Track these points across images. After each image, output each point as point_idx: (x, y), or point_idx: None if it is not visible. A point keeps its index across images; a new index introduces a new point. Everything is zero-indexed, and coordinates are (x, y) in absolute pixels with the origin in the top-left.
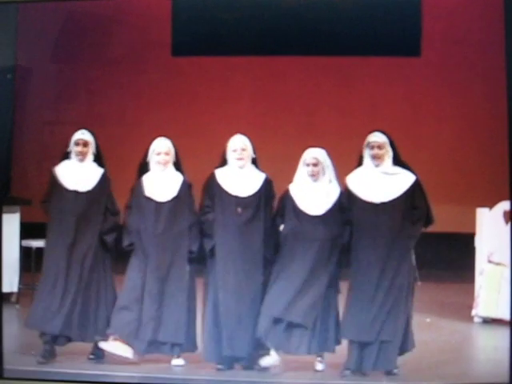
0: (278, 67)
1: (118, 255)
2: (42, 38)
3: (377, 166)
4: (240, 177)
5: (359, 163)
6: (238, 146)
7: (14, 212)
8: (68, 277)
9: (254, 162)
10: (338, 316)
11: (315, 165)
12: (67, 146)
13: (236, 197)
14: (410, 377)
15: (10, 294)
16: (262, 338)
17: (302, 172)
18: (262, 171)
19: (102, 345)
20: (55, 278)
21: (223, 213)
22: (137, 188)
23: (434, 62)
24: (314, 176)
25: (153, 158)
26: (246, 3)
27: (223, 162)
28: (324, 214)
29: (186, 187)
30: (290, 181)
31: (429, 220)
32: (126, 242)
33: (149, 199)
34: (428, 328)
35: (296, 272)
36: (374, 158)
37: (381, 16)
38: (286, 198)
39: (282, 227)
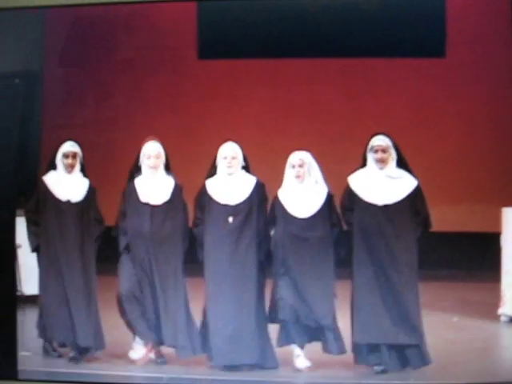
0: (300, 69)
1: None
2: (68, 43)
3: (381, 168)
4: (230, 185)
5: (362, 165)
6: (229, 153)
7: None
8: (71, 287)
9: (246, 168)
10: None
11: (301, 166)
12: (54, 155)
13: (226, 205)
14: (436, 375)
15: (34, 297)
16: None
17: (288, 175)
18: (254, 175)
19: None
20: (61, 289)
21: (214, 223)
22: (130, 192)
23: (459, 63)
24: (300, 177)
25: (144, 162)
26: (271, 6)
27: (213, 170)
28: (313, 216)
29: (177, 190)
30: None
31: (428, 225)
32: (123, 245)
33: (145, 204)
34: (455, 327)
35: (299, 276)
36: (378, 161)
37: (404, 17)
38: (276, 203)
39: (272, 232)
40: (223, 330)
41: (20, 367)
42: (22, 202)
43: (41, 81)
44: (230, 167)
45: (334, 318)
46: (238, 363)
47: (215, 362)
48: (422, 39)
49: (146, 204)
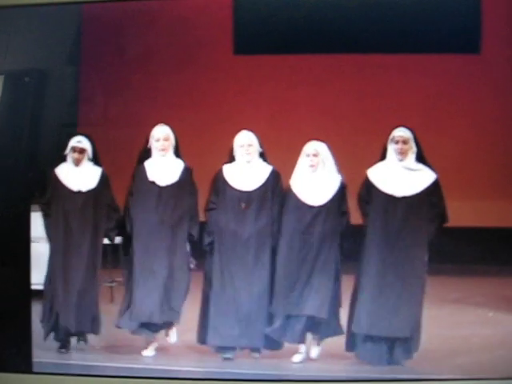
0: (333, 65)
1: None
2: (105, 38)
3: (400, 160)
4: (247, 171)
5: (382, 157)
6: (245, 141)
7: None
8: (85, 276)
9: (263, 156)
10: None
11: (315, 155)
12: (64, 148)
13: (241, 191)
14: (472, 370)
15: None
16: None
17: (302, 163)
18: (270, 164)
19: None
20: (69, 279)
21: (228, 208)
22: (139, 173)
23: (495, 59)
24: (314, 166)
25: (153, 145)
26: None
27: (231, 159)
28: (324, 205)
29: (186, 172)
30: None
31: (444, 219)
32: (129, 228)
33: (152, 183)
34: (490, 322)
35: (301, 265)
36: (399, 152)
37: (437, 11)
38: (287, 191)
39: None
40: (231, 314)
41: (35, 359)
42: (36, 197)
43: (49, 79)
44: (248, 154)
45: (328, 311)
46: (246, 346)
47: (217, 342)
48: (456, 33)
49: (154, 183)
